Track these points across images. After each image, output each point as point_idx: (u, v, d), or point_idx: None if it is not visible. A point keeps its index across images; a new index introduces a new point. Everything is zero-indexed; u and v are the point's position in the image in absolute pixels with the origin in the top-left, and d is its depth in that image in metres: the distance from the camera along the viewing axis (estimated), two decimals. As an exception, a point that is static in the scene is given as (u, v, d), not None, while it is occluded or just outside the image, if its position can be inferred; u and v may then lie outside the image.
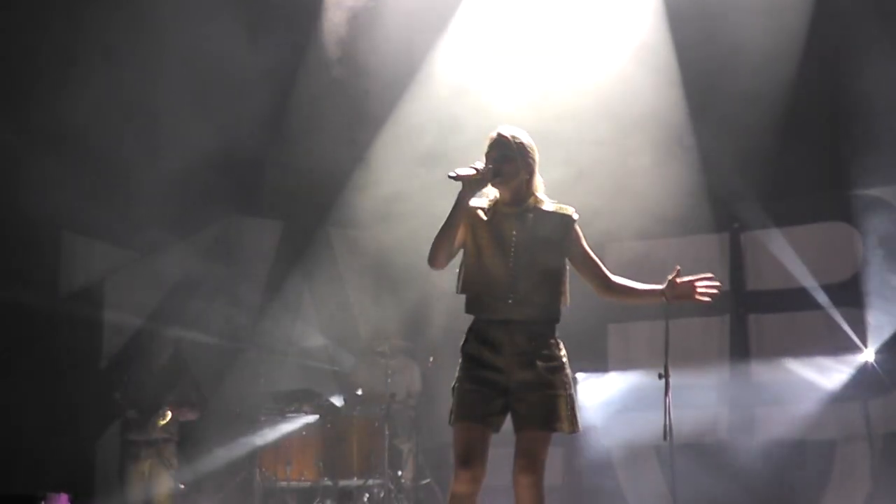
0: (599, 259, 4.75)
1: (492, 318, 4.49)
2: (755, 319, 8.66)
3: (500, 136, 4.58)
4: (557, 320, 4.59)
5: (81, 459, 8.43)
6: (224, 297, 8.93)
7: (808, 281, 8.26)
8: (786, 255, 8.34)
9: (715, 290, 4.75)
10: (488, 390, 4.44)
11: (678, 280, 4.71)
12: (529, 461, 4.37)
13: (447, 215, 4.46)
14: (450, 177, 4.41)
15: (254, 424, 8.15)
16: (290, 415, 8.28)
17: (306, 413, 8.28)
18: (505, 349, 4.45)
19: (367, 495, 8.02)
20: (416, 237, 8.78)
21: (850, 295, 8.16)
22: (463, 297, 4.61)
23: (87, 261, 8.99)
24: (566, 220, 4.61)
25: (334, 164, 8.90)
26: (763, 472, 8.29)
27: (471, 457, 4.37)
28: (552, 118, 8.30)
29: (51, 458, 7.93)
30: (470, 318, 4.60)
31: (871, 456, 8.09)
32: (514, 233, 4.52)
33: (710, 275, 4.73)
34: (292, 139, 8.93)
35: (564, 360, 4.54)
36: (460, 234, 4.53)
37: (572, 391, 4.51)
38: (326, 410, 8.31)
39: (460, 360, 4.56)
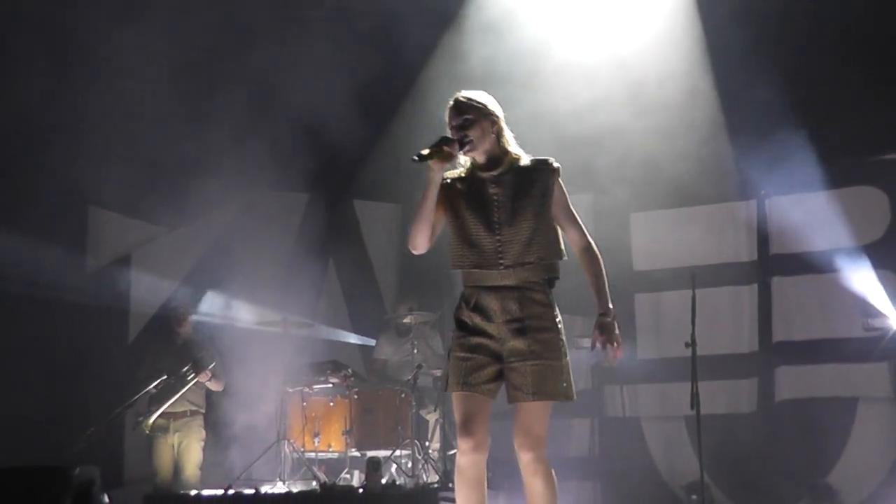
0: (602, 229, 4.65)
1: (483, 285, 4.37)
2: (780, 282, 8.61)
3: (457, 101, 4.45)
4: (553, 279, 4.43)
5: (110, 431, 8.49)
6: (249, 270, 8.93)
7: (836, 245, 8.19)
8: (813, 220, 8.27)
9: (612, 359, 4.35)
10: (481, 357, 4.33)
11: (600, 327, 4.36)
12: (526, 436, 4.28)
13: (421, 200, 4.34)
14: (413, 160, 4.28)
15: (281, 396, 8.17)
16: (317, 386, 8.31)
17: (333, 384, 8.30)
18: (496, 316, 4.33)
19: (394, 466, 8.04)
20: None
21: (879, 258, 8.09)
22: None
23: (114, 236, 9.03)
24: (547, 172, 4.43)
25: (353, 135, 8.87)
26: (788, 435, 8.29)
27: (469, 426, 4.28)
28: (576, 88, 8.28)
29: (80, 431, 8.00)
30: None
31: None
32: (495, 197, 4.38)
33: (616, 345, 4.32)
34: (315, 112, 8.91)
35: (560, 325, 4.38)
36: (439, 211, 4.42)
37: (567, 358, 4.35)
38: (353, 382, 8.33)
39: (453, 328, 4.47)
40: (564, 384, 4.31)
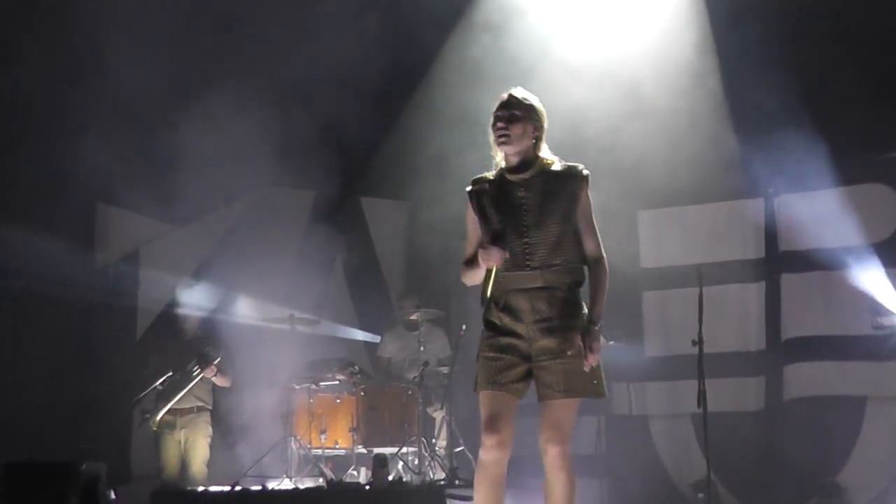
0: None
1: (512, 287, 4.44)
2: (789, 280, 8.58)
3: (510, 96, 4.55)
4: (581, 283, 4.53)
5: (117, 428, 8.50)
6: (257, 267, 8.94)
7: (845, 242, 8.17)
8: (822, 217, 8.24)
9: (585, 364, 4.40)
10: (510, 357, 4.42)
11: (584, 332, 4.43)
12: (555, 431, 4.37)
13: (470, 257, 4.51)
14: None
15: (287, 393, 8.17)
16: (324, 383, 8.31)
17: (339, 381, 8.30)
18: (525, 316, 4.42)
19: (401, 463, 8.05)
20: (447, 205, 8.85)
21: (888, 256, 8.06)
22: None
23: (121, 232, 9.04)
24: (576, 178, 4.50)
25: (365, 131, 8.87)
26: (796, 433, 8.26)
27: (496, 423, 4.37)
28: (585, 84, 8.26)
29: (88, 428, 8.01)
30: None
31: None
32: (523, 200, 4.46)
33: (592, 353, 4.38)
34: (323, 109, 8.91)
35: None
36: (474, 222, 4.57)
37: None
38: (360, 379, 8.33)
39: (482, 329, 4.56)
40: (595, 381, 4.41)
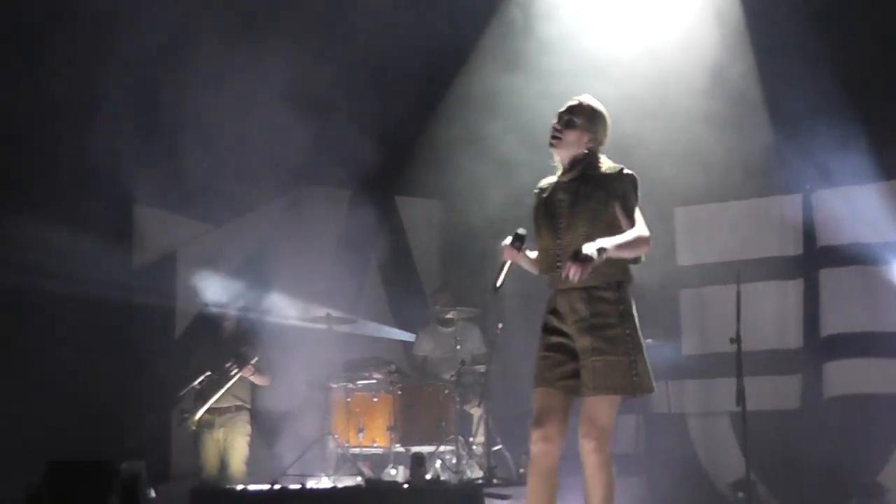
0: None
1: (558, 288, 4.61)
2: (827, 275, 8.52)
3: (578, 101, 4.69)
4: (623, 279, 4.57)
5: (157, 427, 8.57)
6: (293, 266, 8.98)
7: (885, 237, 8.10)
8: (860, 213, 8.17)
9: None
10: (559, 355, 4.57)
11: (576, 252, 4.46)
12: (590, 426, 4.45)
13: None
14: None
15: (325, 392, 8.20)
16: (361, 382, 8.33)
17: (377, 380, 8.32)
18: (567, 317, 4.57)
19: (439, 461, 8.05)
20: (482, 202, 8.86)
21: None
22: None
23: (159, 233, 9.11)
24: (614, 178, 4.58)
25: (400, 129, 8.89)
26: (835, 432, 8.19)
27: (541, 418, 4.52)
28: (617, 82, 8.22)
29: (127, 427, 8.07)
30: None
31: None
32: (561, 203, 4.61)
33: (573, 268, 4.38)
34: (357, 108, 8.93)
35: (628, 322, 4.52)
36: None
37: (637, 355, 4.48)
38: (397, 377, 8.35)
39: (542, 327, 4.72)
40: (635, 377, 4.47)
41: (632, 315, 4.54)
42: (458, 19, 8.65)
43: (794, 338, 8.65)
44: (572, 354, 4.54)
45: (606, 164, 4.66)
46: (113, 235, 8.51)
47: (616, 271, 4.53)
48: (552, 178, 4.75)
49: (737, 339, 6.95)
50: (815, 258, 8.59)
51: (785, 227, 8.77)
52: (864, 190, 8.22)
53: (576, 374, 4.52)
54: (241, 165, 8.44)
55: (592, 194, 4.54)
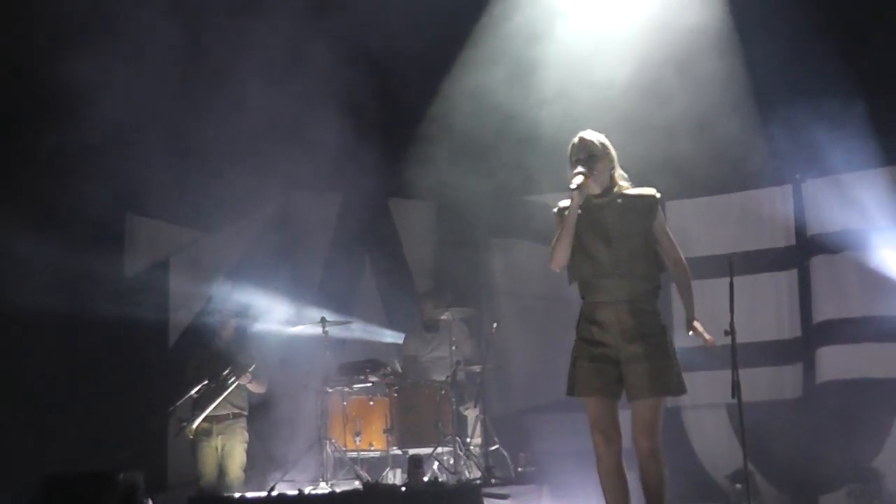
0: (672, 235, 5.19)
1: (599, 300, 5.02)
2: (818, 262, 8.55)
3: (582, 139, 5.14)
4: (657, 291, 5.09)
5: (154, 436, 8.56)
6: (286, 271, 8.98)
7: (875, 223, 8.12)
8: (850, 200, 8.20)
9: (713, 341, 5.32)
10: (603, 365, 4.99)
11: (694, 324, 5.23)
12: (646, 428, 4.92)
13: (564, 222, 5.01)
14: (572, 189, 4.97)
15: (321, 396, 8.20)
16: (357, 385, 8.33)
17: (372, 383, 8.32)
18: (612, 328, 4.99)
19: (436, 463, 8.05)
20: (475, 204, 8.86)
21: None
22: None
23: (151, 241, 9.10)
24: (651, 200, 5.12)
25: (387, 134, 8.89)
26: (831, 419, 8.20)
27: (599, 423, 4.98)
28: (610, 75, 8.24)
29: (125, 437, 8.07)
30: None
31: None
32: (609, 217, 5.07)
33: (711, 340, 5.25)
34: (350, 112, 8.93)
35: (666, 330, 5.05)
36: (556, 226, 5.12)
37: (676, 360, 5.01)
38: (393, 380, 8.34)
39: (575, 340, 5.10)
40: (677, 380, 5.01)
41: (667, 325, 5.07)
42: (448, 20, 8.63)
43: (788, 328, 8.68)
44: (614, 363, 4.98)
45: (628, 182, 5.17)
46: (105, 246, 8.50)
47: (654, 281, 5.09)
48: (576, 198, 5.01)
49: (731, 331, 6.93)
50: (807, 246, 8.62)
51: (776, 218, 8.79)
52: (852, 178, 8.24)
53: (620, 381, 4.99)
54: (233, 172, 8.43)
55: (637, 211, 5.07)
